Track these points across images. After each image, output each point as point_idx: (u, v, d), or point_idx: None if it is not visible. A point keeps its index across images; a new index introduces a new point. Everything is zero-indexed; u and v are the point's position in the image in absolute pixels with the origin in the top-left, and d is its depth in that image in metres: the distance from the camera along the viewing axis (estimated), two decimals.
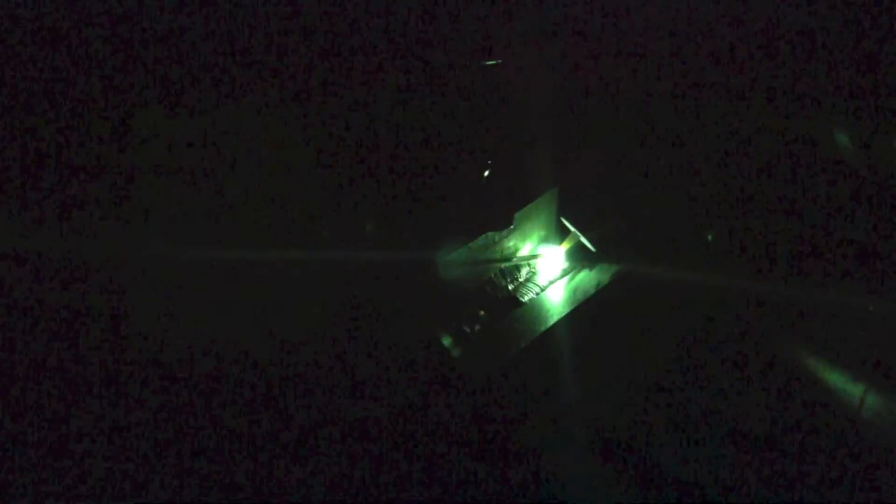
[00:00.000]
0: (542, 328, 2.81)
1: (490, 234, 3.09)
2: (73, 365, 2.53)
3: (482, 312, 3.05)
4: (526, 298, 3.14)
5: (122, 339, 2.61)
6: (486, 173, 3.23)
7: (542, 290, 3.19)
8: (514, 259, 3.34)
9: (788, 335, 2.90)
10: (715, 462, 2.42)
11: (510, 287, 3.24)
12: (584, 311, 2.90)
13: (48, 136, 2.55)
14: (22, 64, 2.47)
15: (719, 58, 3.14)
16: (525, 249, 3.39)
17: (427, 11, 3.00)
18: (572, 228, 3.22)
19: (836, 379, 2.68)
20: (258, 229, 2.91)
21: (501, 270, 3.28)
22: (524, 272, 3.33)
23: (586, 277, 3.17)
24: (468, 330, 2.94)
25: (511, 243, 3.28)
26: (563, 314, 2.87)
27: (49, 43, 2.49)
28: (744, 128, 3.19)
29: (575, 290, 3.08)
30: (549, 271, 3.33)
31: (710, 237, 3.23)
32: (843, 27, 2.88)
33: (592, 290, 3.00)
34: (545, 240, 3.43)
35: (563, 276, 3.27)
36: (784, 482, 2.34)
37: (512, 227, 3.13)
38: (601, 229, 3.17)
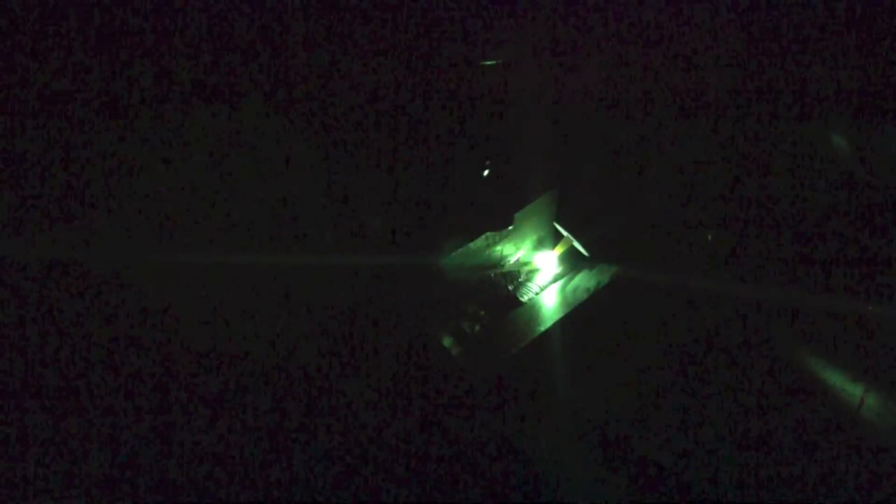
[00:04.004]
0: (542, 328, 2.82)
1: (490, 234, 3.09)
2: (73, 366, 2.53)
3: (482, 312, 3.05)
4: (525, 298, 3.14)
5: (122, 342, 2.61)
6: (486, 173, 3.23)
7: (542, 289, 3.19)
8: (512, 263, 3.35)
9: (788, 335, 2.91)
10: (715, 462, 2.42)
11: (510, 287, 3.24)
12: (584, 310, 2.91)
13: (48, 138, 2.55)
14: (22, 63, 2.47)
15: (718, 60, 3.14)
16: (524, 250, 3.39)
17: (427, 11, 3.00)
18: (565, 233, 3.23)
19: (836, 379, 2.68)
20: (259, 233, 2.91)
21: (501, 270, 3.29)
22: (524, 272, 3.34)
23: (586, 277, 3.18)
24: (468, 330, 2.94)
25: (511, 244, 3.28)
26: (563, 314, 2.88)
27: (48, 42, 2.49)
28: (742, 129, 3.19)
29: (575, 290, 3.08)
30: (549, 271, 3.33)
31: (709, 237, 3.23)
32: (843, 27, 2.88)
33: (592, 290, 3.01)
34: (544, 241, 3.43)
35: (563, 275, 3.28)
36: (784, 482, 2.34)
37: (511, 227, 3.14)
38: (594, 233, 3.18)
